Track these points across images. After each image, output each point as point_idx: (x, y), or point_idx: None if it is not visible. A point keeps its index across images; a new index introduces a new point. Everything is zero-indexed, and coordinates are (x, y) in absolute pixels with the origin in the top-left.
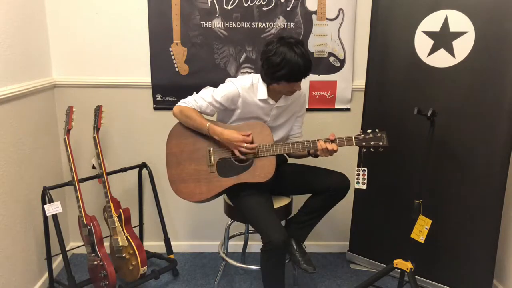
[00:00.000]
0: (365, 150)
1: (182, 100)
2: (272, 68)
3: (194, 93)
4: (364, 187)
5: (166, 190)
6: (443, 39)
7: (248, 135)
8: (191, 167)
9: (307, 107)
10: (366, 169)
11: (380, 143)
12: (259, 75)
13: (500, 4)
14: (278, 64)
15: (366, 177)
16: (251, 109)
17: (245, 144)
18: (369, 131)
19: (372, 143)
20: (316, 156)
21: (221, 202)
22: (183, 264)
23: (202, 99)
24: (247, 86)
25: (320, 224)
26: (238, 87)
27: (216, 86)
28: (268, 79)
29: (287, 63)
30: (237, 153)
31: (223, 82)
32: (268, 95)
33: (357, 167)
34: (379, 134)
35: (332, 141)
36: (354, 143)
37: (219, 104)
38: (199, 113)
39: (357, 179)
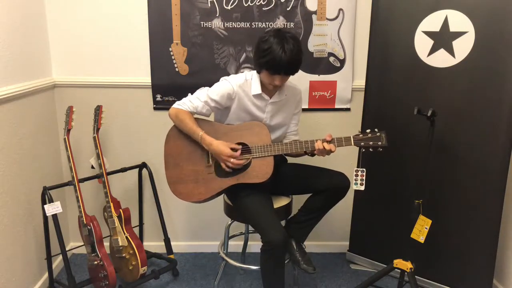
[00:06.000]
0: (364, 150)
1: (177, 102)
2: (257, 54)
3: (189, 94)
4: (362, 188)
5: (166, 190)
6: (443, 39)
7: (236, 150)
8: (189, 168)
9: (306, 107)
10: (364, 169)
11: (379, 143)
12: (252, 72)
13: (500, 4)
14: (263, 51)
15: (364, 178)
16: (246, 106)
17: (231, 160)
18: (368, 131)
19: (371, 143)
20: (312, 155)
21: (221, 202)
22: (183, 264)
23: (198, 99)
24: (241, 82)
25: (320, 224)
26: (232, 84)
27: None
28: (255, 65)
29: (271, 52)
30: (223, 165)
31: None
32: (262, 90)
33: (356, 167)
34: (378, 134)
35: (329, 141)
36: (352, 143)
37: (215, 103)
38: (193, 118)
39: (355, 180)
